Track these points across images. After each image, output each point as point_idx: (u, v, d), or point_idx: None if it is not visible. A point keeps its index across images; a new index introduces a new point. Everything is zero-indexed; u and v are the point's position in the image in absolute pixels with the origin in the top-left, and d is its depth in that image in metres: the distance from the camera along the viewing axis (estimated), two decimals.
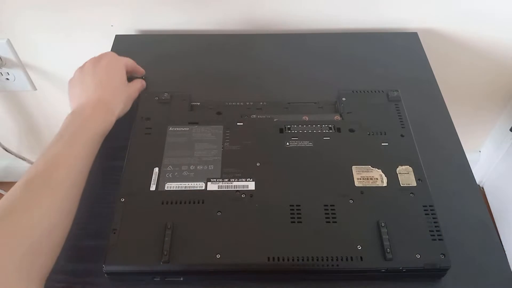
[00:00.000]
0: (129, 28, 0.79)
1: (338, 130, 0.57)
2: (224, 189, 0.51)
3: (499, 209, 1.09)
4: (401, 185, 0.51)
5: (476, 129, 1.05)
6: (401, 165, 0.53)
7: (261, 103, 0.60)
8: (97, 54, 0.80)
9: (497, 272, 0.49)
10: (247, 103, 0.60)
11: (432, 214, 0.49)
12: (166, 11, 0.77)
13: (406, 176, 0.52)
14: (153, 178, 0.52)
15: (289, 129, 0.57)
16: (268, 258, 0.45)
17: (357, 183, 0.51)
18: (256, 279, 0.48)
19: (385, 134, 0.56)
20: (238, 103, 0.60)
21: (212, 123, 0.57)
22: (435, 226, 0.47)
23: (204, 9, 0.77)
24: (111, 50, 0.74)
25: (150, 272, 0.46)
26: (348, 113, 0.59)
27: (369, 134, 0.56)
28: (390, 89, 0.61)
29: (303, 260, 0.45)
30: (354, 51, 0.74)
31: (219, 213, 0.49)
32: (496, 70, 0.87)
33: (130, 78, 0.64)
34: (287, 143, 0.55)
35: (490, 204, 1.12)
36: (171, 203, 0.50)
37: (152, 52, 0.74)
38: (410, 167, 0.53)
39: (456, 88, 0.89)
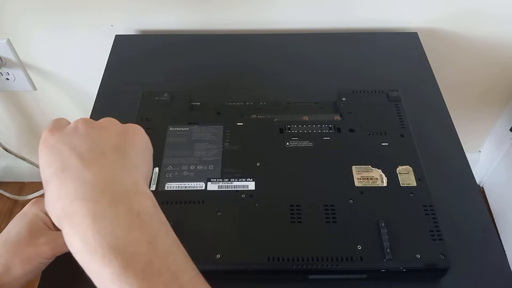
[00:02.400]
0: (129, 28, 0.79)
1: (338, 130, 0.57)
2: (224, 189, 0.51)
3: (499, 209, 1.09)
4: (401, 185, 0.51)
5: (476, 129, 1.05)
6: (401, 165, 0.53)
7: (261, 103, 0.60)
8: (96, 53, 0.81)
9: (497, 272, 0.49)
10: (247, 103, 0.60)
11: (432, 214, 0.49)
12: (166, 11, 0.77)
13: (406, 176, 0.52)
14: (153, 178, 0.52)
15: (289, 129, 0.57)
16: (268, 258, 0.45)
17: (357, 183, 0.51)
18: (256, 279, 0.48)
19: (385, 134, 0.56)
20: (238, 103, 0.60)
21: (212, 123, 0.57)
22: (435, 226, 0.47)
23: (204, 9, 0.77)
24: (111, 50, 0.74)
25: None
26: (348, 113, 0.59)
27: (369, 134, 0.56)
28: (390, 89, 0.61)
29: (303, 260, 0.45)
30: (354, 51, 0.74)
31: (219, 213, 0.49)
32: (496, 70, 0.87)
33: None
34: (287, 143, 0.55)
35: (490, 204, 1.12)
36: (171, 203, 0.50)
37: (152, 52, 0.74)
38: (410, 167, 0.53)
39: (456, 88, 0.89)
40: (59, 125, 0.34)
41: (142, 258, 0.27)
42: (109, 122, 0.35)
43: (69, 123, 0.34)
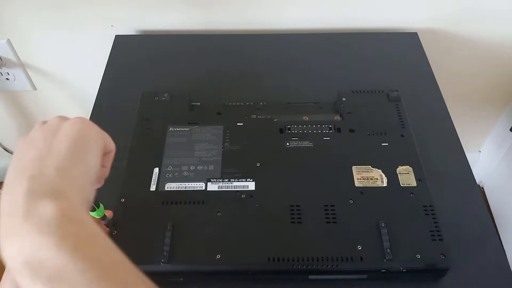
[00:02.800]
0: (129, 28, 0.79)
1: (338, 130, 0.57)
2: (224, 189, 0.51)
3: (499, 209, 1.09)
4: (401, 185, 0.51)
5: (476, 129, 1.05)
6: (401, 165, 0.53)
7: (261, 103, 0.60)
8: (96, 53, 0.81)
9: (497, 272, 0.49)
10: (247, 103, 0.60)
11: (432, 214, 0.49)
12: (166, 11, 0.77)
13: (406, 176, 0.52)
14: (153, 178, 0.52)
15: (289, 129, 0.57)
16: (268, 258, 0.45)
17: (357, 183, 0.51)
18: (256, 279, 0.48)
19: (385, 134, 0.56)
20: (238, 103, 0.60)
21: (212, 123, 0.57)
22: (435, 226, 0.47)
23: (204, 9, 0.77)
24: (111, 50, 0.74)
25: (150, 272, 0.46)
26: (348, 113, 0.59)
27: (369, 134, 0.56)
28: (390, 89, 0.61)
29: (303, 260, 0.45)
30: (354, 51, 0.74)
31: (219, 213, 0.49)
32: (496, 70, 0.87)
33: None
34: (287, 143, 0.55)
35: (490, 204, 1.12)
36: (171, 203, 0.50)
37: (152, 52, 0.74)
38: (410, 167, 0.53)
39: (456, 88, 0.89)
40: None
41: (50, 264, 0.27)
42: (50, 123, 0.35)
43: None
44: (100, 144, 0.37)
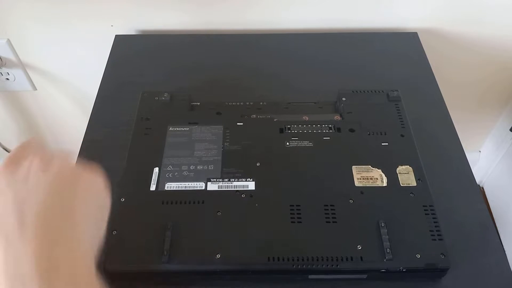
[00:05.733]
0: (129, 28, 0.79)
1: (338, 130, 0.57)
2: (224, 189, 0.51)
3: (499, 209, 1.09)
4: (401, 185, 0.51)
5: (476, 129, 1.05)
6: (401, 165, 0.53)
7: (261, 103, 0.60)
8: (96, 53, 0.81)
9: (497, 272, 0.49)
10: (247, 103, 0.60)
11: (432, 214, 0.49)
12: (166, 11, 0.77)
13: (406, 176, 0.52)
14: (153, 178, 0.52)
15: (289, 129, 0.57)
16: (268, 258, 0.45)
17: (357, 183, 0.51)
18: (256, 279, 0.48)
19: (385, 134, 0.56)
20: (238, 103, 0.60)
21: (212, 123, 0.57)
22: (435, 226, 0.47)
23: (204, 9, 0.77)
24: (111, 50, 0.74)
25: (150, 272, 0.46)
26: (348, 113, 0.59)
27: (369, 134, 0.56)
28: (390, 89, 0.61)
29: (303, 260, 0.45)
30: (354, 51, 0.74)
31: (219, 213, 0.49)
32: (496, 70, 0.87)
33: None
34: (287, 143, 0.55)
35: (490, 204, 1.12)
36: (171, 203, 0.50)
37: (152, 52, 0.74)
38: (410, 167, 0.53)
39: (456, 88, 0.89)
40: (14, 159, 0.29)
41: None
42: (59, 172, 0.30)
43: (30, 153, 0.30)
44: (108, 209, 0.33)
